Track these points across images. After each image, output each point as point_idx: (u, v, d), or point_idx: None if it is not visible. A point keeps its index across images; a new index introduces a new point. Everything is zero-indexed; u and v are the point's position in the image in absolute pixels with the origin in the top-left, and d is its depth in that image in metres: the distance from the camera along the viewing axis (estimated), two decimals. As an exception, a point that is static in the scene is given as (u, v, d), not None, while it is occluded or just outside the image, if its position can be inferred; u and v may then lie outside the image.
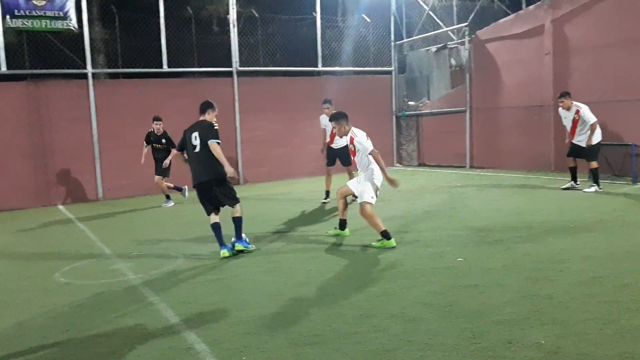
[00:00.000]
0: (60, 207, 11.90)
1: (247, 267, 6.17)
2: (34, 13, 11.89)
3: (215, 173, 6.67)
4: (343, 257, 6.39)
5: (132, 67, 13.63)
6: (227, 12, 14.09)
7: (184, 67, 14.00)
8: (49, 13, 12.01)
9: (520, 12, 13.80)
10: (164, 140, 11.14)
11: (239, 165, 14.05)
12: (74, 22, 12.22)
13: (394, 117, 16.71)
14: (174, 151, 10.43)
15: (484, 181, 12.30)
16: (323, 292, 5.11)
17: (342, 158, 10.19)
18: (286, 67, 15.17)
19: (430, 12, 16.27)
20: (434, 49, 15.96)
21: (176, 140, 8.31)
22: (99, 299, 5.31)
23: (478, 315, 4.28)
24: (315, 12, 15.03)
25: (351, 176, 9.93)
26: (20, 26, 11.88)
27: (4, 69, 11.73)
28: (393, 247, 6.58)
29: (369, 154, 6.81)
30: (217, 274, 5.94)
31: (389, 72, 16.74)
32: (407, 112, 16.60)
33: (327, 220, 8.78)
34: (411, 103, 16.66)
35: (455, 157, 15.33)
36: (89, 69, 12.58)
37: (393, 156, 16.72)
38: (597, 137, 9.92)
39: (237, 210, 6.80)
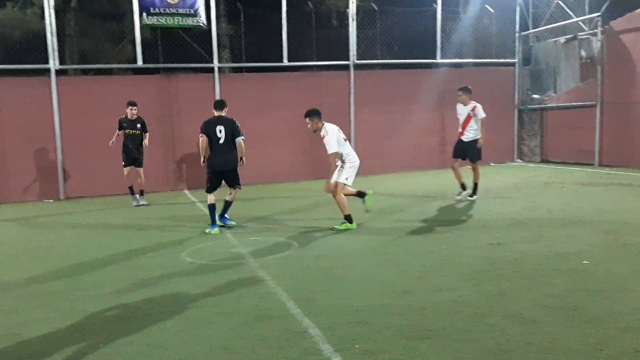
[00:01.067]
0: (186, 191, 12.70)
1: (359, 258, 6.23)
2: (167, 11, 12.73)
3: (234, 163, 8.03)
4: (459, 253, 6.25)
5: (254, 62, 14.21)
6: (347, 6, 14.23)
7: (302, 61, 14.32)
8: (181, 10, 12.81)
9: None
10: (139, 125, 10.98)
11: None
12: (203, 19, 12.95)
13: (516, 110, 15.99)
14: (147, 135, 11.00)
15: (613, 180, 11.44)
16: (436, 287, 5.04)
17: (470, 152, 9.75)
18: (404, 59, 15.00)
19: (560, 2, 15.33)
20: (562, 40, 15.04)
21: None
22: (220, 279, 5.62)
23: (603, 321, 4.02)
24: (436, 4, 14.74)
25: (476, 172, 9.68)
26: (155, 23, 12.77)
27: (140, 63, 12.70)
28: (353, 228, 7.64)
29: (329, 154, 7.58)
30: (329, 263, 6.05)
31: (512, 64, 16.02)
32: (530, 106, 15.82)
33: (443, 215, 8.62)
34: (535, 96, 15.84)
35: (582, 154, 14.38)
36: (215, 63, 13.27)
37: (514, 151, 16.03)
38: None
39: (234, 195, 8.24)
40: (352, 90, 14.19)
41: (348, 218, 7.67)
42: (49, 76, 12.17)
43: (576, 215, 8.03)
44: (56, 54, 12.27)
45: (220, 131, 7.87)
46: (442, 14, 14.79)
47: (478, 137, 9.69)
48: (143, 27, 12.77)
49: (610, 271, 5.27)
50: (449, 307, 4.51)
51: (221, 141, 7.87)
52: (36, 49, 12.22)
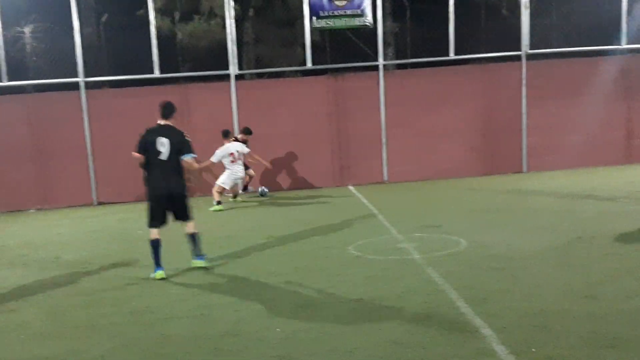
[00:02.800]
0: (351, 187, 13.01)
1: (535, 260, 5.88)
2: (335, 13, 13.14)
3: (180, 188, 6.26)
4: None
5: (419, 57, 14.09)
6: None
7: (470, 53, 13.88)
8: (348, 12, 13.14)
9: None
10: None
11: (523, 153, 13.45)
12: (369, 18, 13.15)
13: None
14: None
15: None
16: (625, 293, 4.59)
17: None
18: (583, 47, 13.82)
19: None
20: None
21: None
22: (388, 273, 5.68)
23: None
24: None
25: None
26: (324, 26, 13.26)
27: (309, 64, 13.29)
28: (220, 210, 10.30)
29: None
30: (502, 263, 5.80)
31: None
32: None
33: (627, 216, 7.81)
34: None
35: None
36: (380, 61, 13.41)
37: None
38: None
39: (192, 226, 6.40)
40: (524, 82, 13.42)
41: (219, 204, 10.67)
42: (229, 81, 13.23)
43: None
44: (235, 60, 13.30)
45: (162, 145, 6.10)
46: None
47: None
48: (313, 30, 13.33)
49: None
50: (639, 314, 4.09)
51: (162, 157, 6.11)
52: (219, 56, 13.37)
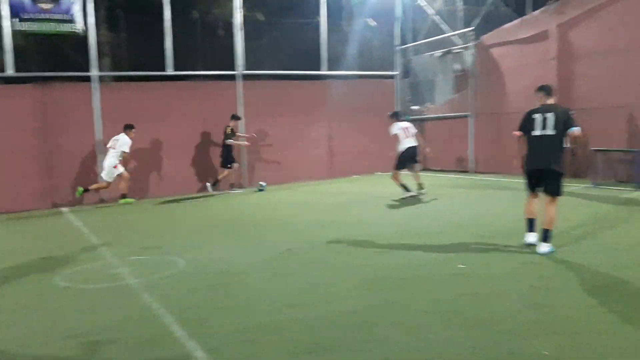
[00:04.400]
0: (64, 209, 11.91)
1: (249, 273, 6.12)
2: (40, 16, 11.93)
3: None
4: (348, 263, 6.36)
5: (138, 70, 13.70)
6: (232, 16, 14.13)
7: (189, 70, 14.03)
8: (55, 16, 12.06)
9: (526, 16, 13.78)
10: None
11: (244, 168, 14.07)
12: (80, 25, 12.26)
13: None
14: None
15: (487, 185, 12.26)
16: (325, 299, 5.06)
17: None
18: (290, 70, 15.16)
19: (435, 17, 16.26)
20: (438, 53, 15.94)
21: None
22: (100, 303, 5.29)
23: (481, 325, 4.25)
24: (320, 16, 15.05)
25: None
26: (27, 29, 11.93)
27: (11, 71, 11.82)
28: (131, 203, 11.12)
29: None
30: (220, 279, 5.90)
31: (393, 77, 16.74)
32: (410, 117, 16.57)
33: (331, 226, 8.75)
34: (415, 107, 16.63)
35: (459, 161, 15.30)
36: (94, 72, 12.63)
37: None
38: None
39: None
40: (240, 101, 14.08)
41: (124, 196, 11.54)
42: None
43: (455, 220, 8.49)
44: None
45: None
46: (326, 27, 15.12)
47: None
48: (16, 33, 11.88)
49: (486, 275, 5.59)
50: (338, 319, 4.55)
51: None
52: None
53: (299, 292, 5.35)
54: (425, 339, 4.04)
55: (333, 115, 15.32)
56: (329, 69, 15.35)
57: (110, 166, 11.87)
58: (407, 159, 11.03)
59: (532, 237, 6.52)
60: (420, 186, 11.07)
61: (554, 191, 6.31)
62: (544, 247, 6.22)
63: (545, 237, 6.24)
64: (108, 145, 12.05)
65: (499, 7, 16.16)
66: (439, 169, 15.89)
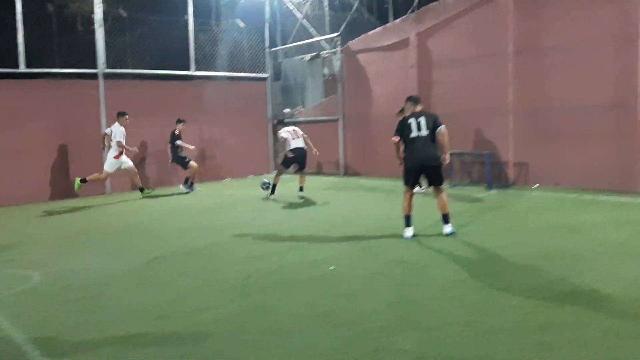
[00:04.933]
0: None
1: (114, 285, 5.81)
2: None
3: None
4: (218, 270, 6.25)
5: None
6: (92, 11, 13.32)
7: (44, 67, 13.00)
8: None
9: (388, 25, 14.45)
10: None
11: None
12: None
13: (270, 124, 16.75)
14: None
15: (356, 187, 12.70)
16: (194, 308, 4.93)
17: None
18: (157, 70, 14.62)
19: (304, 21, 16.56)
20: (307, 57, 16.23)
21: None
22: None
23: (349, 324, 4.37)
24: (188, 15, 14.67)
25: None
26: None
27: None
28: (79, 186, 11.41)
29: None
30: (81, 292, 5.52)
31: (264, 79, 16.78)
32: (284, 119, 16.73)
33: (198, 231, 8.55)
34: (286, 110, 16.80)
35: (331, 164, 15.69)
36: None
37: (269, 163, 16.74)
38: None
39: None
40: (102, 101, 13.31)
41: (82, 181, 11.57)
42: None
43: (326, 222, 8.69)
44: None
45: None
46: (194, 26, 14.78)
47: None
48: None
49: (355, 274, 5.78)
50: (206, 327, 4.45)
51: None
52: None
53: (168, 302, 5.16)
54: (296, 342, 4.08)
55: (204, 117, 15.01)
56: (199, 70, 15.02)
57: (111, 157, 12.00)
58: (294, 160, 11.29)
59: (410, 232, 7.25)
60: (301, 189, 11.23)
61: (439, 181, 7.30)
62: (449, 228, 7.25)
63: (447, 219, 7.26)
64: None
65: (363, 14, 16.84)
66: (311, 171, 16.17)
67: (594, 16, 10.22)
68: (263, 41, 16.69)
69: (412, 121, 7.25)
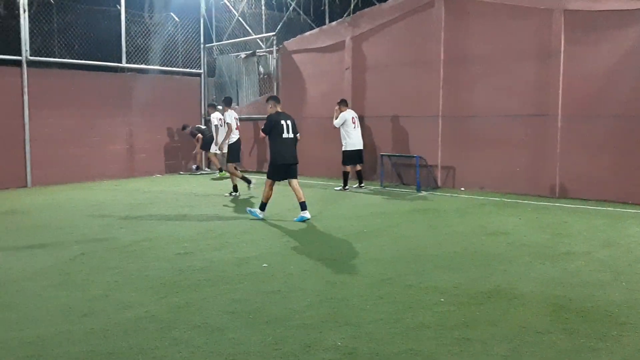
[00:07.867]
0: None
1: (34, 281, 5.57)
2: None
3: None
4: (147, 266, 6.11)
5: None
6: (17, -5, 12.67)
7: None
8: None
9: (324, 27, 14.58)
10: None
11: (27, 166, 12.68)
12: None
13: (203, 120, 16.50)
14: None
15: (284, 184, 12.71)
16: (121, 305, 4.81)
17: None
18: (86, 60, 14.07)
19: (240, 19, 16.44)
20: (243, 55, 16.12)
21: None
22: None
23: (280, 321, 4.40)
24: (120, 5, 14.23)
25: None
26: None
27: None
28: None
29: None
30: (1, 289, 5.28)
31: (198, 75, 16.53)
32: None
33: (129, 228, 8.33)
34: (220, 107, 16.59)
35: (262, 162, 15.64)
36: None
37: (202, 161, 16.50)
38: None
39: None
40: (25, 90, 12.67)
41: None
42: None
43: (257, 221, 8.66)
44: None
45: None
46: (126, 17, 14.35)
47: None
48: None
49: (286, 272, 5.81)
50: (134, 325, 4.36)
51: None
52: None
53: (95, 299, 5.01)
54: (226, 338, 4.06)
55: (134, 110, 14.61)
56: (130, 62, 14.60)
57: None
58: (239, 151, 11.49)
59: (263, 215, 8.62)
60: (235, 188, 11.24)
61: (296, 175, 8.69)
62: (307, 214, 8.47)
63: (305, 206, 8.48)
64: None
65: (300, 15, 16.91)
66: (242, 169, 16.06)
67: (519, 28, 10.76)
68: (198, 36, 16.44)
69: (284, 123, 8.38)
